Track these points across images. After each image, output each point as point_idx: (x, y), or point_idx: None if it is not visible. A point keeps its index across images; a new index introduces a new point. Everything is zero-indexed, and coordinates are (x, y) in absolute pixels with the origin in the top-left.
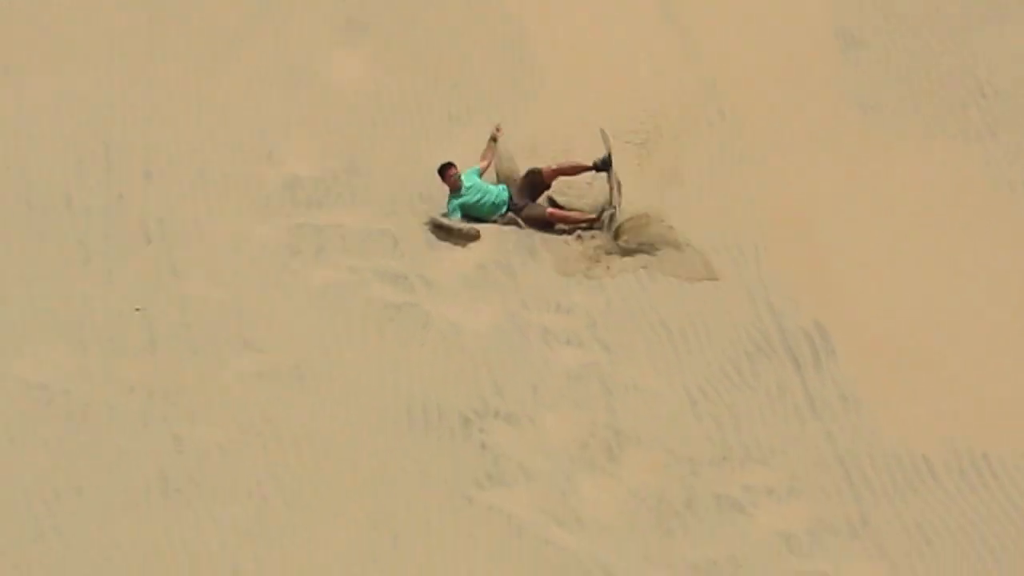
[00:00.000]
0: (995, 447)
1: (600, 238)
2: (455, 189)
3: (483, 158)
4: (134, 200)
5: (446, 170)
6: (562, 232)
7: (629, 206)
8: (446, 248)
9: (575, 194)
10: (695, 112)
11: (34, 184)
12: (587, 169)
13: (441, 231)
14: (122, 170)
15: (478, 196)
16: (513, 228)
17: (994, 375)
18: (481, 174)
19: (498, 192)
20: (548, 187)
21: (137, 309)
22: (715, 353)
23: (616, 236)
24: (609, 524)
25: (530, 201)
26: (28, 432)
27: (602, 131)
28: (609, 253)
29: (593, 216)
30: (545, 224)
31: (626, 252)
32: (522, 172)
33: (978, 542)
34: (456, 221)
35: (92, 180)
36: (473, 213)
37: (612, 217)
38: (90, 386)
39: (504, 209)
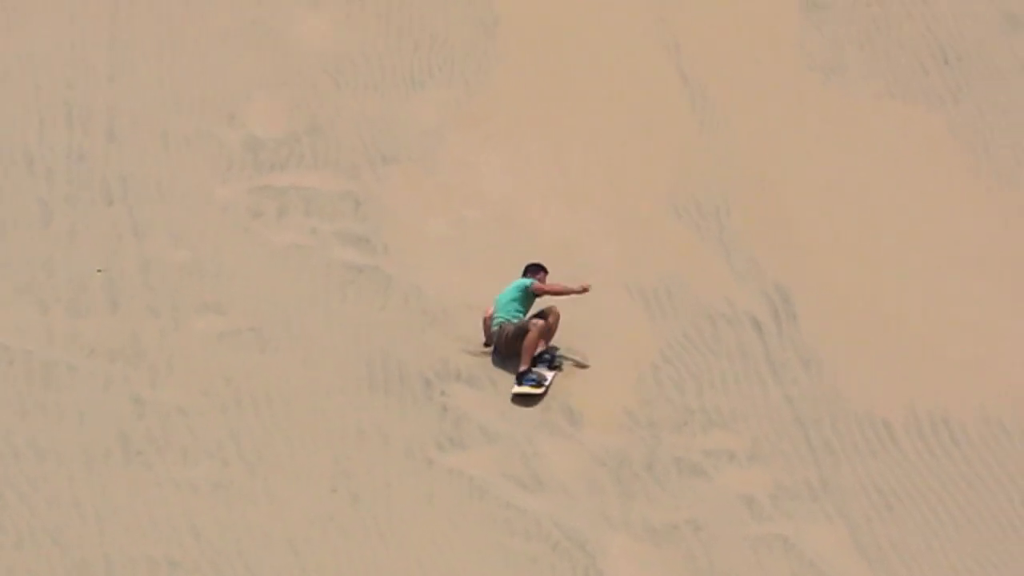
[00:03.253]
0: (956, 411)
1: None
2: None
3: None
4: (96, 161)
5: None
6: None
7: None
8: (408, 211)
9: None
10: (658, 75)
11: None
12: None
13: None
14: (84, 131)
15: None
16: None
17: (956, 339)
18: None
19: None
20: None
21: (99, 270)
22: (677, 317)
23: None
24: (570, 487)
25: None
26: None
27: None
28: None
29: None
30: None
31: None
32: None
33: (938, 506)
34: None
35: (54, 140)
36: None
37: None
38: (51, 347)
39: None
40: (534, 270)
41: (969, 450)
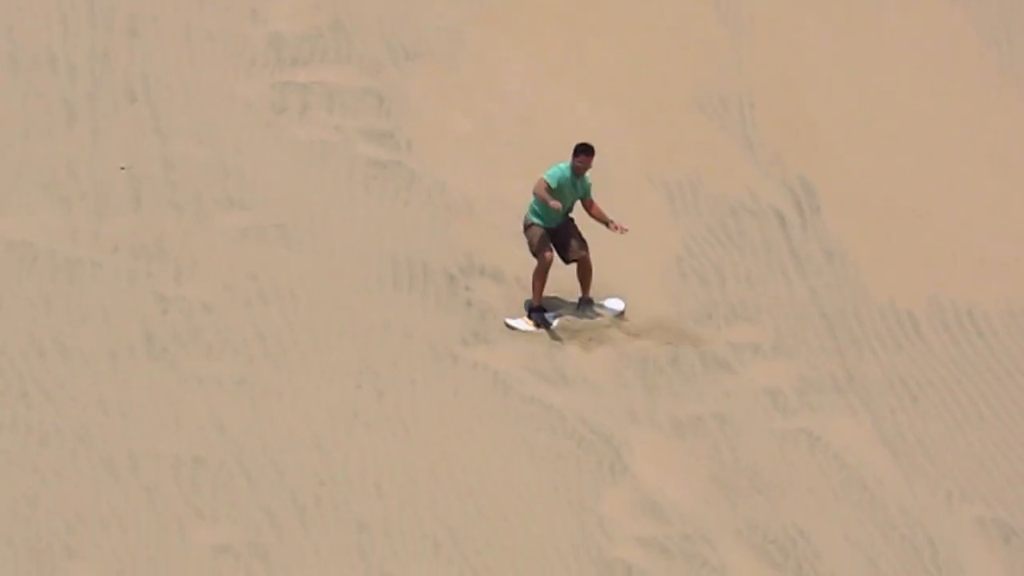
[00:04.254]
0: (979, 303)
1: None
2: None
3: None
4: (119, 59)
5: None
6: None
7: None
8: (431, 107)
9: None
10: None
11: (18, 43)
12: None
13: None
14: (107, 29)
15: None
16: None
17: (979, 232)
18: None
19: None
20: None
21: (122, 168)
22: (700, 211)
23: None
24: (594, 381)
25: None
26: (13, 290)
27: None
28: None
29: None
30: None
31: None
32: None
33: (962, 397)
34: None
35: (77, 39)
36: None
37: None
38: (75, 244)
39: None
40: (575, 152)
41: (993, 341)
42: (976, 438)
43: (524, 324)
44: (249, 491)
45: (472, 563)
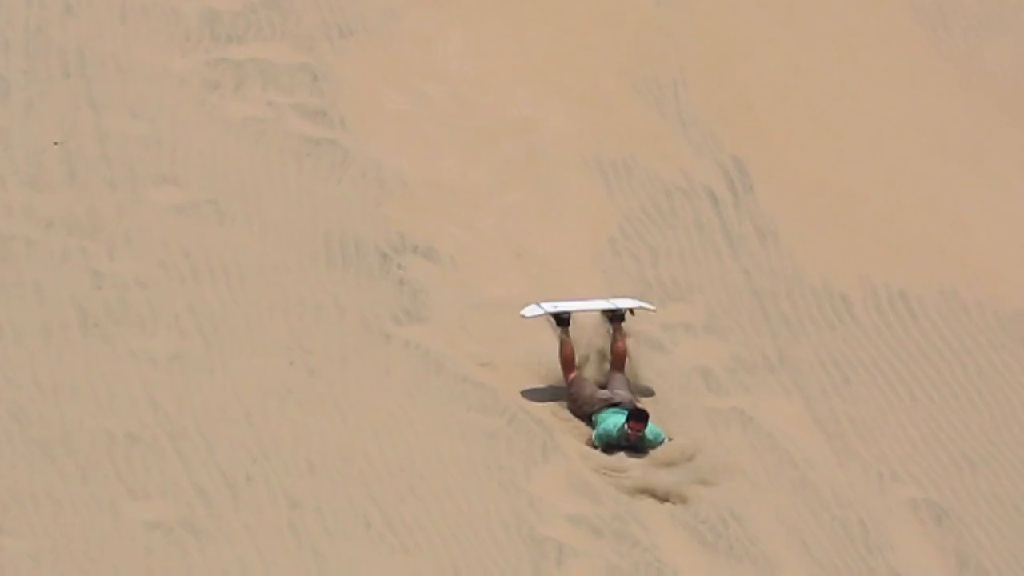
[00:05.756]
0: (913, 285)
1: None
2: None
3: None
4: (54, 33)
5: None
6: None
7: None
8: (365, 86)
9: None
10: None
11: None
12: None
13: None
14: (41, 5)
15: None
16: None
17: (914, 215)
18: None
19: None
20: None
21: (56, 143)
22: (634, 190)
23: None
24: (526, 361)
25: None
26: None
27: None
28: None
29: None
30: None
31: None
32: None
33: (894, 379)
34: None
35: (11, 13)
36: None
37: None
38: (9, 220)
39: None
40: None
41: (927, 324)
42: (908, 420)
43: (538, 310)
44: (181, 468)
45: (403, 541)
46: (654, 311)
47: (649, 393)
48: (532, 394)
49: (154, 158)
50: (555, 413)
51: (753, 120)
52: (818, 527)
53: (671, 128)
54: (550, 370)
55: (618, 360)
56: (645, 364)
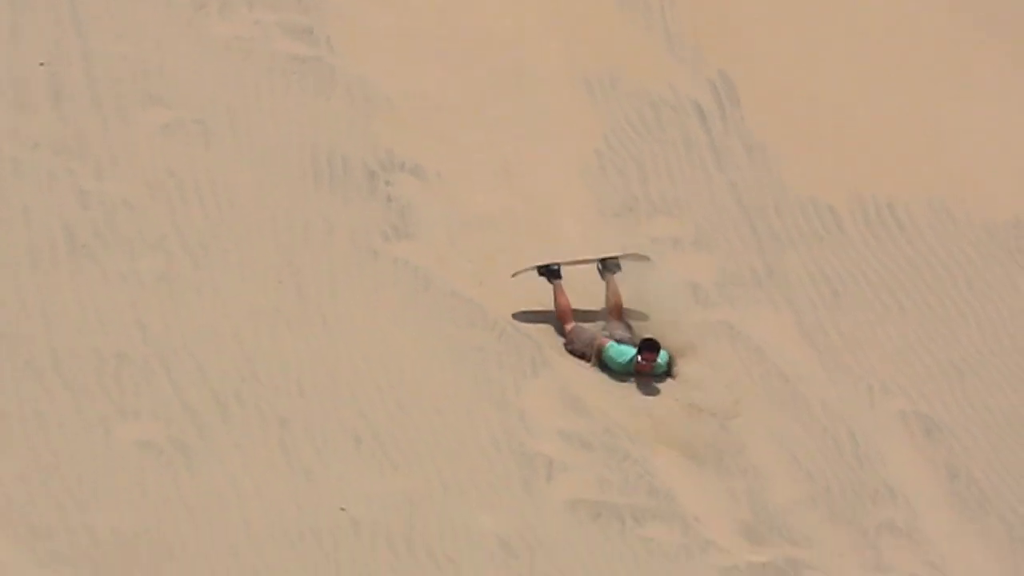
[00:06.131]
0: (901, 197)
1: None
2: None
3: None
4: None
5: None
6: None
7: None
8: (351, 2)
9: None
10: None
11: None
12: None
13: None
14: None
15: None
16: None
17: (900, 128)
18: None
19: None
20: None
21: (41, 64)
22: (620, 104)
23: None
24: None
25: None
26: None
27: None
28: None
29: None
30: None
31: None
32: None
33: (883, 291)
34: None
35: None
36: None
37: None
38: None
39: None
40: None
41: (915, 235)
42: (897, 332)
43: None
44: (171, 388)
45: (392, 457)
46: (648, 260)
47: (643, 318)
48: (522, 309)
49: (140, 78)
50: (545, 329)
51: (740, 34)
52: (808, 440)
53: (657, 43)
54: (541, 282)
55: (615, 310)
56: (632, 275)
